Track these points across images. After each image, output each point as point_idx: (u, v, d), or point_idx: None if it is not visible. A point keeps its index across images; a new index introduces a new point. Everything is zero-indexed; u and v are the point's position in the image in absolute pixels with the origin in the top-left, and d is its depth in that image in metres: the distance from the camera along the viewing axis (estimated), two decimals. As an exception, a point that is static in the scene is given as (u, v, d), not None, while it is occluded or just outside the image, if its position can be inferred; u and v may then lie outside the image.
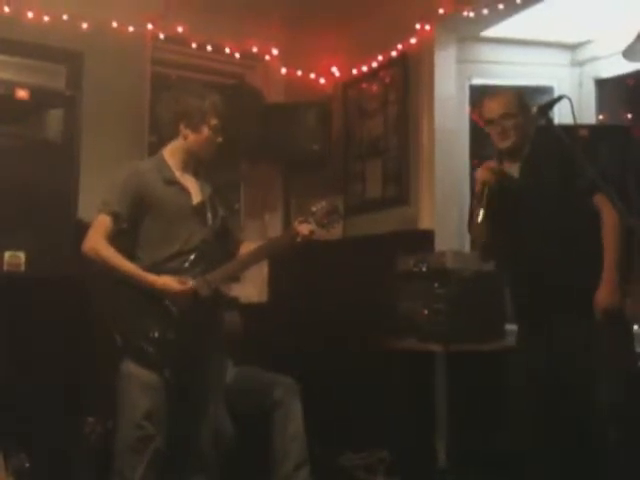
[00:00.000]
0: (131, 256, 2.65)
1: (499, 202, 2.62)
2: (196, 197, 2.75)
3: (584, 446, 2.50)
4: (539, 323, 2.64)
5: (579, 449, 2.52)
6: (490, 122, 2.69)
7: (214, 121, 2.74)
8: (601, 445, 2.44)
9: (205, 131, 2.73)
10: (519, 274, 2.72)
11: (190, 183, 2.76)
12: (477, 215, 2.56)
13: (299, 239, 2.76)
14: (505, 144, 2.67)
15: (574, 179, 2.47)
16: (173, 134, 2.76)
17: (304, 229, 2.76)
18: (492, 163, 2.67)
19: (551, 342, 2.58)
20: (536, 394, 2.62)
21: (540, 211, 2.61)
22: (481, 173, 2.64)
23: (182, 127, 2.73)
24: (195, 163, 2.79)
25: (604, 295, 2.44)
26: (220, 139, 2.77)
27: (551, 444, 2.55)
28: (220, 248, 2.81)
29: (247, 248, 2.87)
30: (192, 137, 2.73)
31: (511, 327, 3.37)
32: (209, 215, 2.75)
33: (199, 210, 2.74)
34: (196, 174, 2.80)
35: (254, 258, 2.83)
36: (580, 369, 2.52)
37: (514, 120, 2.64)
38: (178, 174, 2.75)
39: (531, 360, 2.65)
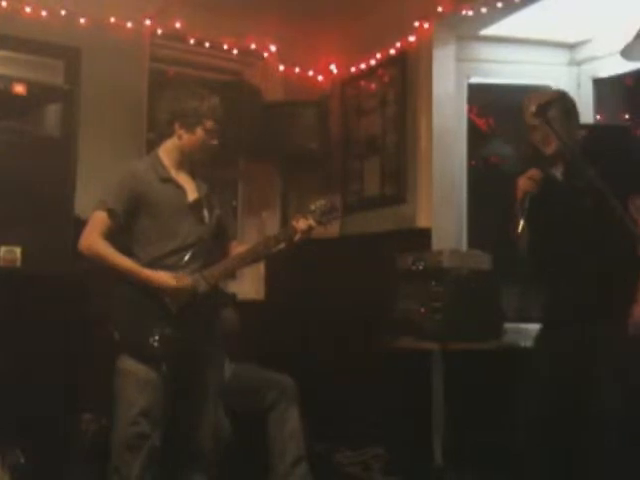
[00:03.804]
0: (128, 253, 2.66)
1: (541, 204, 2.57)
2: (192, 195, 2.75)
3: (593, 449, 2.49)
4: (566, 325, 2.59)
5: (589, 452, 2.50)
6: (533, 128, 2.59)
7: (209, 124, 2.72)
8: (609, 449, 2.44)
9: (199, 133, 2.72)
10: (556, 276, 2.68)
11: (185, 181, 2.76)
12: (517, 225, 2.49)
13: (297, 236, 2.75)
14: (549, 150, 2.59)
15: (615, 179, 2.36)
16: (170, 132, 2.76)
17: (302, 225, 2.74)
18: (534, 171, 2.58)
19: (577, 344, 2.54)
20: (551, 396, 2.60)
21: (587, 214, 2.52)
22: (523, 182, 2.56)
23: (177, 127, 2.73)
24: (190, 162, 2.79)
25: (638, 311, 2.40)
26: (215, 142, 2.76)
27: (563, 446, 2.54)
28: (216, 246, 2.81)
29: (236, 249, 2.87)
30: (186, 137, 2.73)
31: (510, 326, 3.39)
32: (205, 213, 2.75)
33: (195, 207, 2.73)
34: (192, 172, 2.80)
35: (252, 255, 2.82)
36: (598, 376, 2.50)
37: (556, 109, 2.53)
38: (173, 172, 2.75)
39: (552, 362, 2.61)
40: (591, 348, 2.50)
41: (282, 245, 2.77)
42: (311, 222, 2.75)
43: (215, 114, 2.74)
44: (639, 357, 2.47)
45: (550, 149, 2.59)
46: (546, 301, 2.78)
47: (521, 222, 2.49)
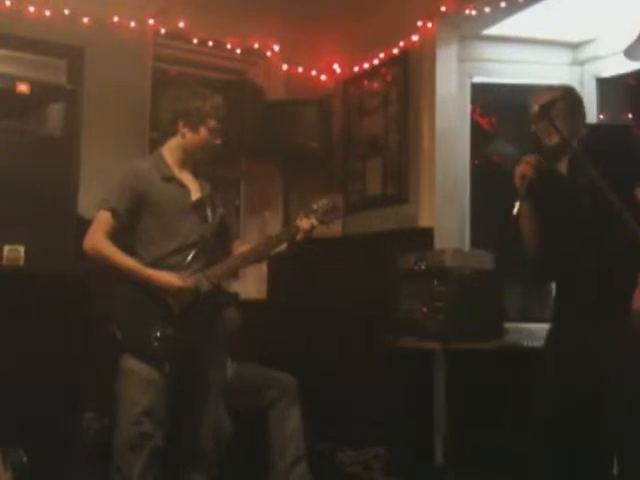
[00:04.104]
0: (130, 253, 2.66)
1: (544, 199, 2.58)
2: (195, 194, 2.75)
3: (611, 447, 2.48)
4: (575, 323, 2.59)
5: (606, 450, 2.50)
6: (537, 121, 2.60)
7: (213, 123, 2.73)
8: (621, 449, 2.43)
9: (203, 132, 2.72)
10: (560, 272, 2.68)
11: (188, 180, 2.77)
12: (512, 207, 2.49)
13: (300, 235, 2.75)
14: (551, 141, 2.59)
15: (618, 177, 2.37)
16: (173, 132, 2.77)
17: (304, 224, 2.75)
18: (531, 157, 2.59)
19: (585, 344, 2.53)
20: (555, 396, 2.59)
21: (587, 210, 2.52)
22: (520, 167, 2.58)
23: (181, 125, 2.73)
24: (193, 161, 2.79)
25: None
26: (218, 141, 2.77)
27: (579, 444, 2.53)
28: (219, 245, 2.81)
29: (239, 248, 2.87)
30: (189, 136, 2.73)
31: (511, 325, 3.39)
32: (208, 212, 2.76)
33: (198, 207, 2.74)
34: (195, 172, 2.80)
35: (255, 255, 2.82)
36: (609, 373, 2.49)
37: (562, 105, 2.55)
38: (176, 171, 2.76)
39: (562, 360, 2.61)
40: (594, 348, 2.50)
41: (284, 245, 2.78)
42: (313, 221, 2.76)
43: (218, 113, 2.74)
44: None
45: (553, 140, 2.58)
46: (554, 299, 2.78)
47: (517, 204, 2.48)
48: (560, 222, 2.62)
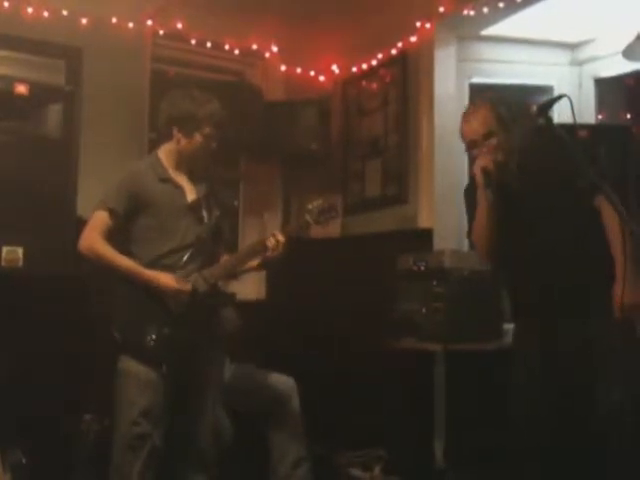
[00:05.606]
0: (125, 253, 2.67)
1: (498, 203, 2.61)
2: (190, 195, 2.76)
3: (583, 446, 2.49)
4: (535, 322, 2.62)
5: (577, 449, 2.51)
6: (474, 144, 2.62)
7: (207, 129, 2.71)
8: (600, 446, 2.44)
9: (197, 138, 2.72)
10: (517, 274, 2.71)
11: (184, 181, 2.77)
12: (484, 198, 2.54)
13: (269, 253, 2.72)
14: (500, 157, 2.59)
15: (574, 179, 2.46)
16: (168, 136, 2.77)
17: (272, 242, 2.72)
18: (487, 153, 2.61)
19: (547, 341, 2.57)
20: (533, 393, 2.61)
21: (540, 212, 2.59)
22: (479, 161, 2.58)
23: (175, 131, 2.73)
24: (188, 164, 2.79)
25: (622, 291, 2.37)
26: (214, 146, 2.76)
27: (549, 443, 2.55)
28: (215, 246, 2.81)
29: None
30: (184, 142, 2.73)
31: (510, 326, 3.38)
32: (204, 213, 2.76)
33: (194, 208, 2.74)
34: (191, 173, 2.80)
35: (251, 255, 2.83)
36: (578, 369, 2.51)
37: (497, 137, 2.58)
38: (172, 172, 2.76)
39: (527, 359, 2.64)
40: (578, 346, 2.50)
41: (256, 262, 2.80)
42: (279, 237, 2.73)
43: (213, 120, 2.72)
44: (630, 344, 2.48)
45: (501, 156, 2.59)
46: (511, 299, 2.80)
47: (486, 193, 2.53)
48: (519, 223, 2.63)
